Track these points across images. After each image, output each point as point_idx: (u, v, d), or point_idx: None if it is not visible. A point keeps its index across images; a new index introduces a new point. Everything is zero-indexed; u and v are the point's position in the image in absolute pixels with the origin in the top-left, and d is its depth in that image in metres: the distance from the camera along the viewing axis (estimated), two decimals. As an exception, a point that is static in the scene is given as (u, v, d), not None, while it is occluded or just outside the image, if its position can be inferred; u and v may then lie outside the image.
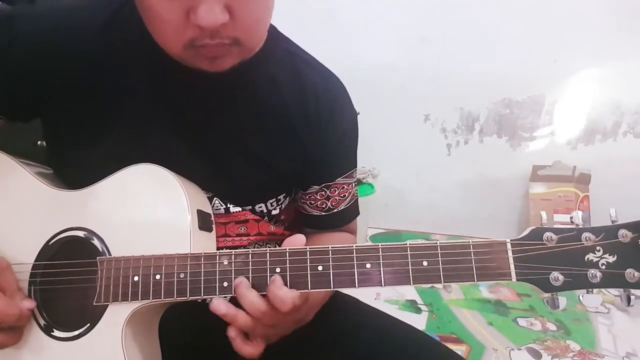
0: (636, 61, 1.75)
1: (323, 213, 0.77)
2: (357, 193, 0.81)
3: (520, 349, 1.45)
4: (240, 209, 0.72)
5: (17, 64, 0.63)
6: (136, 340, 0.60)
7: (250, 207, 0.72)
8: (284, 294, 0.55)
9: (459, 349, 1.45)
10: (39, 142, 1.18)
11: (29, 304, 0.61)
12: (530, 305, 1.66)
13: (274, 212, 0.74)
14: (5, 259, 0.62)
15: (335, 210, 0.77)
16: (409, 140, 2.03)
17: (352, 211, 0.81)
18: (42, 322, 0.62)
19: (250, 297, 0.56)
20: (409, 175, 2.09)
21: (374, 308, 0.80)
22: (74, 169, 0.68)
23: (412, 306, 1.66)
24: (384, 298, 1.67)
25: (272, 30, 0.70)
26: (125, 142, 0.65)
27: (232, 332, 0.58)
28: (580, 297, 0.53)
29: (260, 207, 0.73)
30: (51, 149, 0.72)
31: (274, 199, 0.73)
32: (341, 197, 0.77)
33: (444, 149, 2.02)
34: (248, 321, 0.57)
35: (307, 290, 0.57)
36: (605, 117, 1.84)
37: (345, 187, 0.77)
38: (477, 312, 1.63)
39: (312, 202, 0.76)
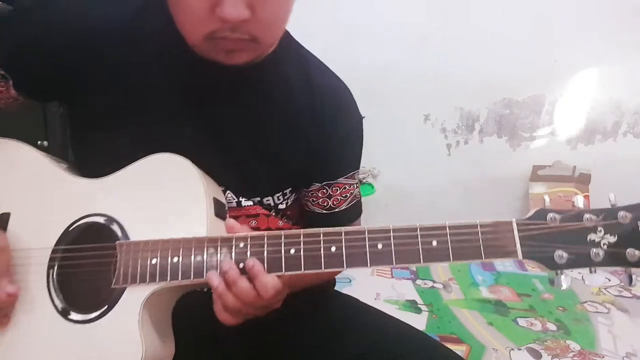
0: (636, 61, 1.75)
1: (324, 211, 0.78)
2: (359, 194, 0.83)
3: (520, 349, 1.45)
4: (251, 202, 0.73)
5: (46, 48, 0.64)
6: (153, 323, 0.61)
7: (259, 199, 0.74)
8: (268, 281, 0.57)
9: (459, 349, 1.44)
10: (39, 142, 1.19)
11: (12, 288, 0.62)
12: (530, 305, 1.66)
13: (280, 206, 0.76)
14: (5, 240, 0.63)
15: (336, 210, 0.78)
16: (409, 140, 2.03)
17: (354, 212, 0.82)
18: (59, 305, 0.63)
19: (240, 284, 0.57)
20: (409, 175, 2.09)
21: (374, 308, 0.81)
22: (94, 156, 0.70)
23: (412, 306, 1.66)
24: (384, 298, 1.67)
25: (286, 32, 0.72)
26: (142, 133, 0.67)
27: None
28: (584, 278, 0.55)
29: (268, 200, 0.74)
30: (73, 136, 0.74)
31: (281, 193, 0.75)
32: (342, 197, 0.78)
33: (444, 149, 2.02)
34: (236, 304, 0.58)
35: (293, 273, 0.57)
36: (605, 117, 1.84)
37: (347, 187, 0.78)
38: (477, 312, 1.63)
39: (314, 199, 0.77)
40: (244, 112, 0.70)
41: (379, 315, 0.79)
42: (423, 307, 1.65)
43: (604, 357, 1.42)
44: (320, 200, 0.77)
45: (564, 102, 1.86)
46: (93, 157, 0.71)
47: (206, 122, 0.69)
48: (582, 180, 1.89)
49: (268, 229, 0.75)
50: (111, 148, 0.68)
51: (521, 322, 1.58)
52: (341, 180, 0.77)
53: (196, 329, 0.68)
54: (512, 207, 2.03)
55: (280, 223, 0.77)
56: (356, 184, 0.80)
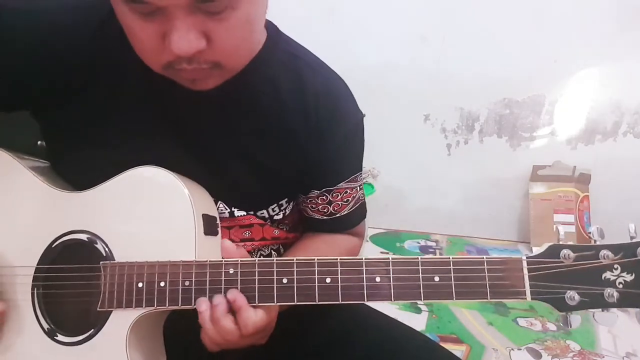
0: (636, 61, 1.75)
1: (325, 217, 0.75)
2: (363, 196, 0.79)
3: (520, 349, 1.45)
4: (244, 212, 0.70)
5: (6, 62, 0.60)
6: (141, 346, 0.60)
7: (252, 212, 0.71)
8: (249, 317, 0.56)
9: (459, 349, 1.45)
10: (39, 142, 1.18)
11: (1, 306, 0.60)
12: (530, 305, 1.66)
13: (276, 217, 0.73)
14: None
15: (337, 215, 0.75)
16: (409, 140, 2.03)
17: (357, 215, 0.79)
18: (45, 326, 0.62)
19: (224, 323, 0.56)
20: (409, 175, 2.08)
21: (373, 309, 0.79)
22: (74, 170, 0.67)
23: (412, 306, 1.65)
24: (384, 298, 1.67)
25: (274, 30, 0.68)
26: (125, 145, 0.64)
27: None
28: (594, 316, 0.51)
29: (262, 213, 0.71)
30: (50, 151, 0.70)
31: (276, 205, 0.72)
32: (344, 201, 0.75)
33: (444, 149, 2.02)
34: (217, 338, 0.57)
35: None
36: (605, 117, 1.84)
37: (349, 191, 0.74)
38: (477, 312, 1.63)
39: (314, 206, 0.74)
40: (228, 123, 0.66)
41: (378, 317, 0.78)
42: (423, 307, 1.65)
43: (604, 357, 1.42)
44: (320, 207, 0.74)
45: (564, 102, 1.86)
46: (71, 171, 0.67)
47: (188, 137, 0.65)
48: (582, 180, 1.89)
49: (262, 239, 0.73)
50: (89, 162, 0.65)
51: (521, 322, 1.58)
52: (342, 185, 0.73)
53: (191, 335, 0.68)
54: (512, 207, 2.03)
55: (276, 232, 0.75)
56: (359, 186, 0.76)
